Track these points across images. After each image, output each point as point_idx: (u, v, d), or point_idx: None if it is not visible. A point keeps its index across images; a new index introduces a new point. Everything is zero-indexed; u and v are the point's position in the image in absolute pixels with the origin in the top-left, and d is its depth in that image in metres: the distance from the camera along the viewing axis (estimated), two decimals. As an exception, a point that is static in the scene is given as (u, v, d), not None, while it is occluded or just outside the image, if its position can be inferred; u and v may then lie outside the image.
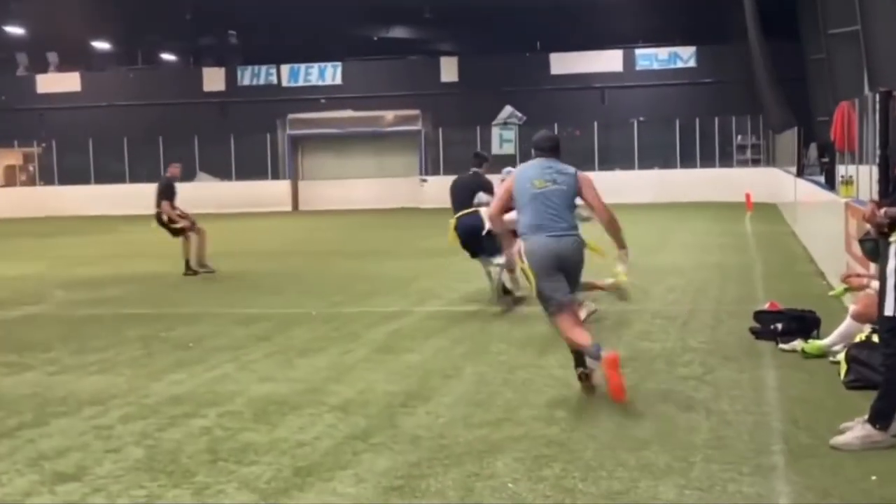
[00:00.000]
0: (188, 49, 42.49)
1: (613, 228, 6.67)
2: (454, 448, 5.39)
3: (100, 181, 35.99)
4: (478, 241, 10.61)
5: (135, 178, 34.53)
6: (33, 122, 37.78)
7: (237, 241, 20.82)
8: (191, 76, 39.93)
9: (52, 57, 40.13)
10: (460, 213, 10.81)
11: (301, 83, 38.40)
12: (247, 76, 38.76)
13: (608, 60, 36.62)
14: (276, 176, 36.45)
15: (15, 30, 36.24)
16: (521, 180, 6.64)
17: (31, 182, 38.23)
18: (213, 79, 39.02)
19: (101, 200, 34.18)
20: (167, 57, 43.64)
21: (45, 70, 40.11)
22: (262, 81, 38.56)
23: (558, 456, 5.19)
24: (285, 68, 38.35)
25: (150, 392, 6.99)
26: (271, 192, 35.11)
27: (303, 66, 38.35)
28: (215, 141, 35.81)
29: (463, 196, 10.91)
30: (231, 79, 38.76)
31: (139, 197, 30.17)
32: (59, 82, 39.15)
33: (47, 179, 37.47)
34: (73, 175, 36.24)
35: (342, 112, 36.46)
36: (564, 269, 6.45)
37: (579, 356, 6.57)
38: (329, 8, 32.90)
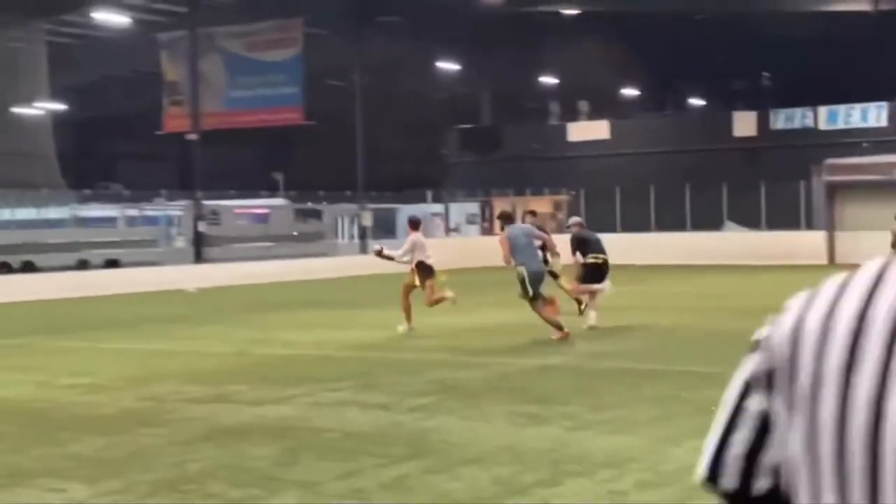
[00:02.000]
0: (718, 93, 42.57)
1: None
2: None
3: (626, 229, 37.23)
4: None
5: (661, 227, 35.12)
6: (563, 170, 40.33)
7: (768, 296, 19.85)
8: (720, 121, 39.93)
9: (583, 105, 42.74)
10: None
11: (840, 125, 36.38)
12: (780, 119, 37.73)
13: None
14: (809, 226, 34.67)
15: (549, 80, 39.18)
16: None
17: (559, 229, 40.86)
18: (744, 123, 38.59)
19: (628, 249, 35.22)
20: (695, 102, 44.11)
21: (575, 118, 42.81)
22: (796, 125, 37.25)
23: None
24: (823, 110, 36.60)
25: (668, 458, 6.65)
26: (804, 244, 33.34)
27: (842, 108, 36.31)
28: (744, 188, 35.11)
29: None
30: (763, 122, 38.03)
31: (666, 246, 30.46)
32: (588, 130, 41.49)
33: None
34: (597, 223, 37.90)
35: (888, 157, 33.69)
36: None
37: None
38: (876, 44, 30.71)
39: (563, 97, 42.12)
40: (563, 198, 40.39)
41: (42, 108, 45.89)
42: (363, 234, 36.09)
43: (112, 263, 29.39)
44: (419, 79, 43.00)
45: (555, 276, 15.28)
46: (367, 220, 37.88)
